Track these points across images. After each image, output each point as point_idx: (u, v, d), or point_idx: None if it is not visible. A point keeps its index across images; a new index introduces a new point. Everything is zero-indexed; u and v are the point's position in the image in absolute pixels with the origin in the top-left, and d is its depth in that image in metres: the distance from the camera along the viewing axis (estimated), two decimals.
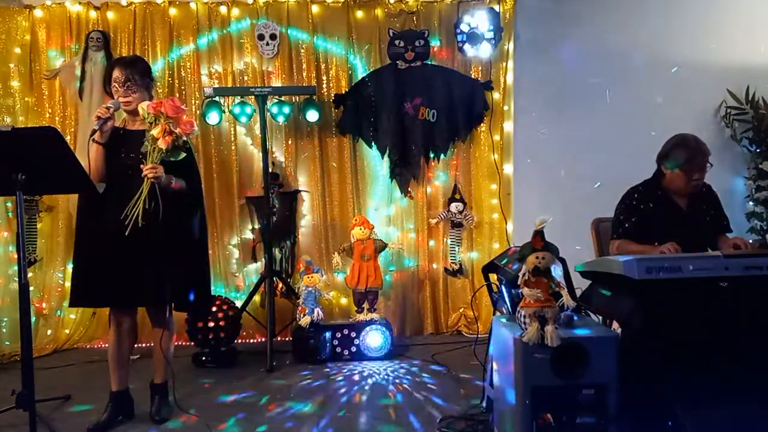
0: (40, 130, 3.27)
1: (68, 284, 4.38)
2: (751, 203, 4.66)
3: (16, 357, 3.98)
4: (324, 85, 4.61)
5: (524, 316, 2.27)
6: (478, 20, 4.44)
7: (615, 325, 2.84)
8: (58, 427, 2.96)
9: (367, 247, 4.14)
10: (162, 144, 2.72)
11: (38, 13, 4.47)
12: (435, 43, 4.62)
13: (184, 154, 2.84)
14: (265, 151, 4.28)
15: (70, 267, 4.43)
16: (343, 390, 3.46)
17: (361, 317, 4.11)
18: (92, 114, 4.25)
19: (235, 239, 4.62)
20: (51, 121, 4.47)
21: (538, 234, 2.29)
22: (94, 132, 2.79)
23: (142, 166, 2.74)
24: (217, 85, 4.52)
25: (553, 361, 2.24)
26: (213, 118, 4.31)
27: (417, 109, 4.57)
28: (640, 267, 2.28)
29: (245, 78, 4.57)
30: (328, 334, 3.98)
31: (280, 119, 4.44)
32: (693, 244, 2.87)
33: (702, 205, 3.05)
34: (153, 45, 4.50)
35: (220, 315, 3.93)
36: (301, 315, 3.99)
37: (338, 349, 4.00)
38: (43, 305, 4.43)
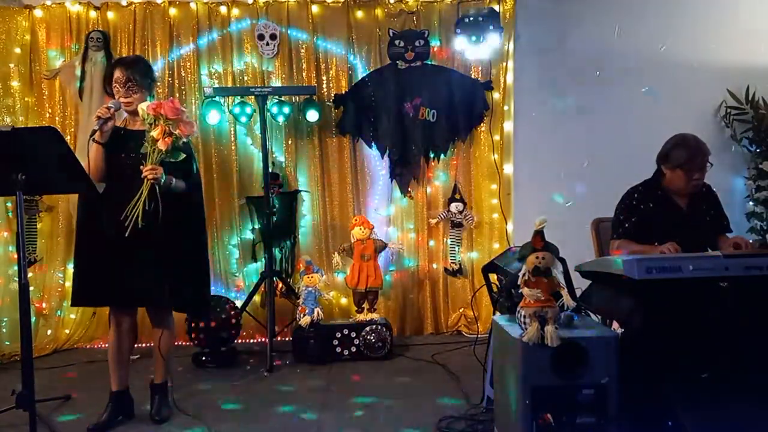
0: (40, 130, 3.27)
1: (68, 284, 4.42)
2: (751, 203, 4.66)
3: (16, 357, 3.98)
4: (324, 85, 4.61)
5: (524, 316, 2.27)
6: (478, 20, 4.42)
7: (615, 325, 2.85)
8: (58, 427, 2.96)
9: (367, 247, 4.14)
10: (162, 145, 2.72)
11: (38, 13, 4.47)
12: (435, 43, 4.62)
13: (183, 155, 2.85)
14: (265, 151, 4.28)
15: (70, 267, 4.45)
16: (343, 390, 3.46)
17: (361, 317, 4.11)
18: (92, 114, 4.25)
19: (235, 239, 4.62)
20: (51, 121, 4.47)
21: (538, 234, 2.29)
22: (94, 132, 2.79)
23: (142, 167, 2.74)
24: (217, 85, 4.51)
25: (553, 361, 2.24)
26: (213, 118, 4.31)
27: (417, 109, 4.57)
28: (640, 267, 2.28)
29: (245, 78, 4.57)
30: (328, 334, 3.98)
31: (280, 119, 4.44)
32: (693, 244, 2.87)
33: (702, 205, 3.05)
34: (153, 45, 4.49)
35: (220, 315, 3.93)
36: (301, 315, 3.99)
37: (338, 349, 4.00)
38: (43, 305, 4.43)
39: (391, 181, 4.67)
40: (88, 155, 2.80)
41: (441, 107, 4.57)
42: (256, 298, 4.42)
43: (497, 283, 3.13)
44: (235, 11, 4.53)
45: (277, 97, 4.38)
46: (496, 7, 4.55)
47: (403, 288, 4.68)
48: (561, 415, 2.27)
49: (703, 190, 3.05)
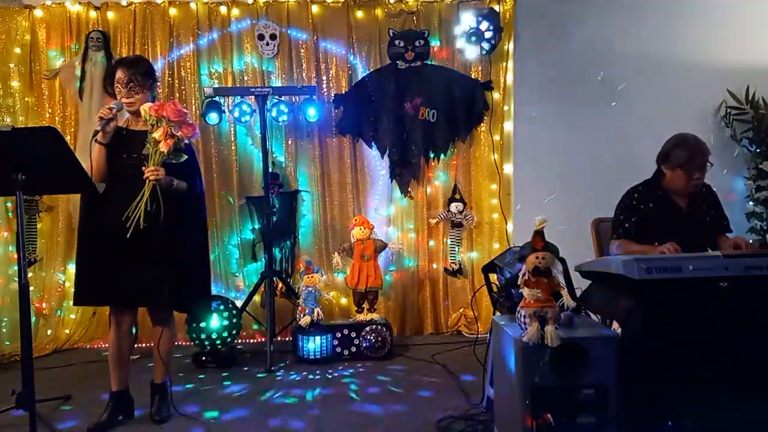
0: (40, 130, 3.26)
1: (68, 284, 4.44)
2: (751, 203, 4.66)
3: (16, 357, 3.98)
4: (324, 85, 4.61)
5: (524, 316, 2.27)
6: (477, 20, 4.43)
7: (615, 325, 2.85)
8: (58, 428, 2.96)
9: (367, 247, 4.14)
10: (164, 147, 2.73)
11: (38, 13, 4.47)
12: (435, 43, 4.62)
13: (185, 157, 2.86)
14: (265, 151, 4.28)
15: (70, 267, 4.47)
16: (342, 390, 3.46)
17: (361, 317, 4.11)
18: (92, 114, 4.30)
19: (235, 239, 4.62)
20: (51, 121, 4.47)
21: (538, 234, 2.29)
22: (96, 132, 2.79)
23: (144, 167, 2.75)
24: (217, 85, 4.52)
25: (553, 361, 2.24)
26: (213, 118, 4.31)
27: (417, 109, 4.57)
28: (640, 267, 2.28)
29: (245, 78, 4.57)
30: (328, 334, 3.98)
31: (280, 119, 4.44)
32: (693, 244, 2.87)
33: (702, 205, 3.05)
34: (153, 45, 4.50)
35: (220, 315, 3.93)
36: (301, 315, 3.99)
37: (338, 349, 4.00)
38: (43, 305, 4.43)
39: (391, 181, 4.67)
40: (91, 156, 2.80)
41: (441, 107, 4.57)
42: (256, 298, 4.42)
43: (497, 283, 3.13)
44: (235, 11, 4.53)
45: (277, 97, 4.38)
46: (496, 7, 4.55)
47: (403, 288, 4.68)
48: (561, 415, 2.27)
49: (703, 190, 3.05)
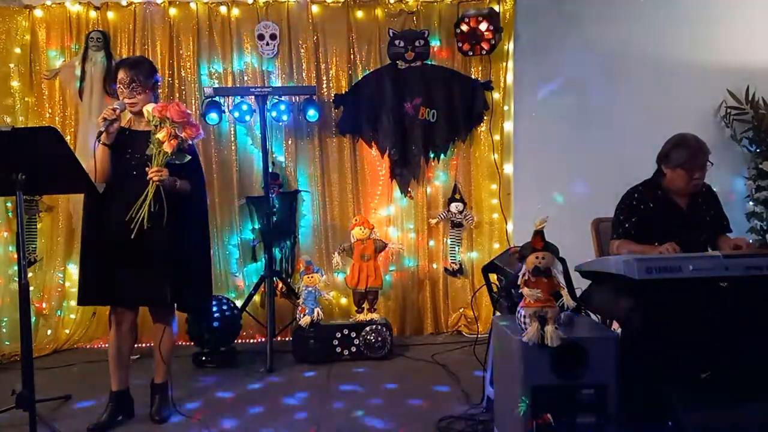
0: (40, 130, 3.27)
1: (68, 284, 4.44)
2: (751, 203, 4.65)
3: (16, 357, 3.98)
4: (324, 85, 4.61)
5: (524, 316, 2.27)
6: (477, 20, 4.43)
7: (615, 325, 2.85)
8: (58, 427, 2.96)
9: (367, 247, 4.14)
10: (167, 147, 2.74)
11: (38, 13, 4.47)
12: (435, 43, 4.62)
13: (189, 157, 2.87)
14: (265, 151, 4.28)
15: (70, 267, 4.47)
16: (342, 390, 3.46)
17: (361, 317, 4.11)
18: (92, 114, 4.30)
19: (235, 239, 4.62)
20: (51, 121, 4.47)
21: (538, 234, 2.30)
22: (100, 134, 2.79)
23: (147, 169, 2.76)
24: (217, 85, 4.51)
25: (553, 361, 2.24)
26: (213, 118, 4.31)
27: (417, 109, 4.57)
28: (640, 267, 2.28)
29: (245, 78, 4.57)
30: (328, 334, 3.98)
31: (280, 119, 4.44)
32: (693, 244, 2.87)
33: (702, 205, 3.05)
34: (153, 45, 4.49)
35: (220, 315, 3.93)
36: (301, 315, 3.99)
37: (338, 349, 4.00)
38: (43, 305, 4.43)
39: (391, 181, 4.67)
40: (95, 157, 2.80)
41: (441, 107, 4.57)
42: (256, 298, 4.42)
43: (497, 283, 3.13)
44: (235, 11, 4.53)
45: (277, 97, 4.38)
46: (496, 7, 4.54)
47: (403, 288, 4.68)
48: (561, 415, 2.27)
49: (703, 190, 3.06)
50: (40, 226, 4.46)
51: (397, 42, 4.49)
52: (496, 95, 4.65)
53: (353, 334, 4.00)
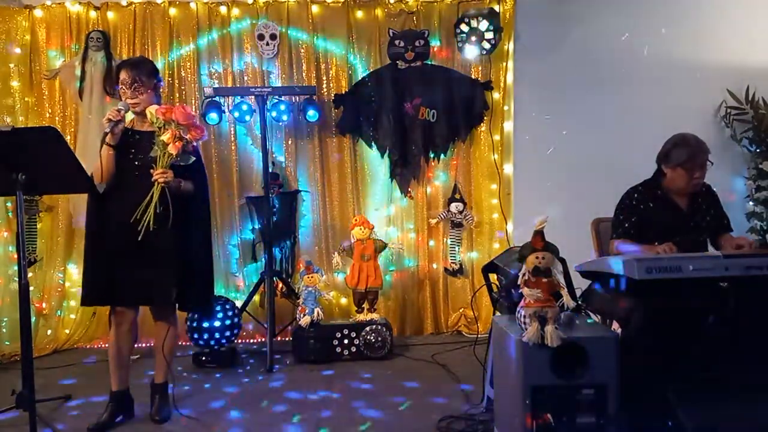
0: (40, 130, 3.27)
1: (68, 284, 4.45)
2: (751, 203, 4.65)
3: (16, 357, 3.98)
4: (324, 85, 4.61)
5: (524, 316, 2.27)
6: (477, 20, 4.43)
7: (615, 325, 2.85)
8: (58, 427, 2.96)
9: (367, 247, 4.14)
10: (172, 150, 2.75)
11: (38, 13, 4.47)
12: (435, 43, 4.62)
13: (193, 158, 2.89)
14: (265, 151, 4.28)
15: (70, 267, 4.47)
16: (342, 390, 3.46)
17: (361, 317, 4.11)
18: (92, 114, 4.30)
19: (235, 239, 4.62)
20: (51, 121, 4.47)
21: (538, 234, 2.30)
22: (105, 135, 2.80)
23: (152, 170, 2.76)
24: (217, 85, 4.51)
25: (553, 361, 2.24)
26: (213, 118, 4.30)
27: (417, 109, 4.56)
28: (640, 267, 2.28)
29: (245, 78, 4.57)
30: (328, 334, 3.98)
31: (280, 119, 4.44)
32: (693, 244, 2.87)
33: (702, 204, 3.05)
34: (153, 45, 4.49)
35: (220, 315, 3.93)
36: (301, 315, 3.99)
37: (338, 349, 3.99)
38: (43, 305, 4.43)
39: (391, 181, 4.67)
40: (101, 158, 2.81)
41: (441, 107, 4.56)
42: (256, 298, 4.42)
43: (497, 283, 3.13)
44: (235, 11, 4.53)
45: (277, 97, 4.38)
46: (496, 7, 4.55)
47: (403, 288, 4.68)
48: (561, 415, 2.27)
49: (703, 189, 3.06)
50: (40, 226, 4.46)
51: (397, 42, 4.49)
52: (496, 95, 4.65)
53: (353, 334, 4.00)
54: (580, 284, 2.78)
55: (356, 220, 4.22)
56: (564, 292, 2.30)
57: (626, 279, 2.35)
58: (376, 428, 2.95)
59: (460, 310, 4.69)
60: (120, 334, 2.97)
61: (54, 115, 4.49)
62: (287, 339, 4.34)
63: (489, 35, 4.44)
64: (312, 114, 4.37)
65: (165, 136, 2.74)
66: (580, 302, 2.70)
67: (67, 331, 4.41)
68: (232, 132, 4.58)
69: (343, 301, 4.59)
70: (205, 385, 3.59)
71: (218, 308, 3.95)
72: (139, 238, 2.74)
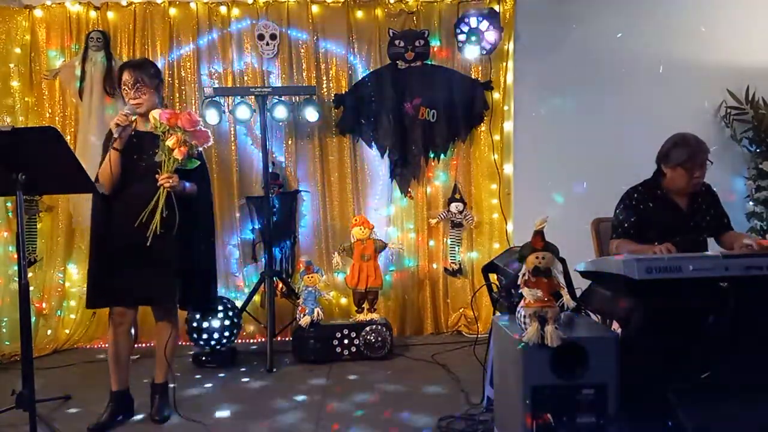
0: (40, 130, 3.27)
1: (68, 284, 4.46)
2: (751, 203, 4.65)
3: (16, 357, 3.98)
4: (324, 85, 4.61)
5: (524, 316, 2.27)
6: (478, 20, 4.43)
7: (615, 325, 2.85)
8: (58, 427, 2.96)
9: (367, 247, 4.14)
10: (178, 155, 2.77)
11: (38, 13, 4.47)
12: (435, 43, 4.62)
13: (198, 163, 2.91)
14: (265, 151, 4.28)
15: (70, 267, 4.47)
16: (343, 390, 3.46)
17: (361, 317, 4.11)
18: (92, 114, 4.31)
19: (235, 239, 4.62)
20: (51, 121, 4.47)
21: (538, 234, 2.29)
22: (114, 140, 2.81)
23: (157, 175, 2.77)
24: (217, 85, 4.51)
25: (553, 361, 2.24)
26: (213, 118, 4.31)
27: (417, 109, 4.57)
28: (640, 267, 2.28)
29: (245, 78, 4.57)
30: (328, 334, 3.98)
31: (281, 119, 4.44)
32: (693, 243, 2.87)
33: (702, 204, 3.05)
34: (153, 45, 4.49)
35: (220, 315, 3.94)
36: (301, 315, 3.99)
37: (338, 349, 3.99)
38: (43, 305, 4.43)
39: (391, 181, 4.67)
40: (110, 162, 2.81)
41: (441, 107, 4.57)
42: (256, 298, 4.42)
43: (497, 283, 3.13)
44: (235, 11, 4.53)
45: (277, 97, 4.38)
46: (496, 7, 4.55)
47: (403, 288, 4.68)
48: (561, 415, 2.27)
49: (702, 189, 3.06)
50: (40, 226, 4.46)
51: (397, 42, 4.49)
52: (496, 95, 4.65)
53: (353, 334, 4.00)
54: (580, 284, 2.77)
55: (356, 220, 4.22)
56: (564, 292, 2.30)
57: (626, 279, 2.35)
58: (375, 428, 2.94)
59: (460, 310, 4.69)
60: (120, 334, 2.97)
61: (54, 115, 4.49)
62: (287, 339, 4.34)
63: (489, 35, 4.44)
64: (312, 114, 4.37)
65: (170, 141, 2.75)
66: (580, 302, 2.70)
67: (67, 331, 4.42)
68: (232, 132, 4.59)
69: (343, 301, 4.59)
70: (205, 385, 3.59)
71: (218, 308, 3.95)
72: (148, 243, 2.75)
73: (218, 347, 3.98)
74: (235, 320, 4.03)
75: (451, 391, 3.38)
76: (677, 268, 2.28)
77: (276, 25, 4.52)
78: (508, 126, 4.69)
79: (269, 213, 4.32)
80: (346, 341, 4.00)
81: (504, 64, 4.64)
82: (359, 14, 4.59)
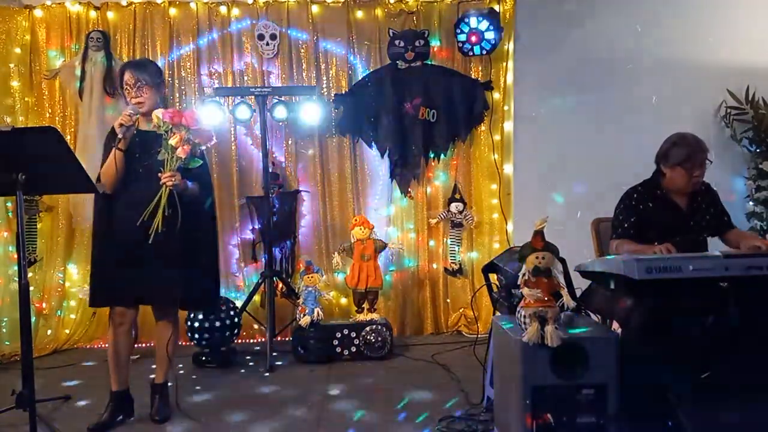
0: (40, 130, 3.27)
1: (68, 284, 4.45)
2: (751, 203, 4.65)
3: (16, 357, 3.98)
4: (324, 85, 4.61)
5: (524, 316, 2.27)
6: (478, 20, 4.43)
7: (615, 325, 2.85)
8: (58, 427, 2.96)
9: (367, 247, 4.14)
10: (181, 153, 2.77)
11: (38, 13, 4.47)
12: (435, 43, 4.62)
13: (201, 162, 2.92)
14: (265, 151, 4.28)
15: (70, 267, 4.47)
16: (343, 390, 3.46)
17: (361, 317, 4.11)
18: (92, 114, 4.31)
19: (235, 239, 4.62)
20: (51, 121, 4.47)
21: (538, 234, 2.29)
22: (118, 140, 2.81)
23: (160, 174, 2.77)
24: (217, 85, 4.52)
25: (553, 361, 2.24)
26: (213, 118, 4.30)
27: (417, 109, 4.56)
28: (640, 267, 2.28)
29: (245, 78, 4.57)
30: (328, 334, 3.98)
31: (281, 119, 4.44)
32: (693, 243, 2.87)
33: (702, 204, 3.05)
34: (153, 45, 4.49)
35: (220, 315, 3.93)
36: (301, 315, 3.99)
37: (338, 349, 3.99)
38: (43, 305, 4.43)
39: (391, 181, 4.67)
40: (114, 161, 2.82)
41: (441, 107, 4.56)
42: (256, 298, 4.42)
43: (497, 283, 3.13)
44: (235, 11, 4.53)
45: (277, 97, 4.38)
46: (496, 7, 4.55)
47: (403, 288, 4.68)
48: (561, 415, 2.27)
49: (702, 188, 3.06)
50: (40, 226, 4.46)
51: (397, 42, 4.49)
52: (496, 95, 4.65)
53: (353, 334, 4.00)
54: (580, 284, 2.77)
55: (356, 220, 4.22)
56: (564, 292, 2.30)
57: (626, 279, 2.35)
58: (375, 428, 2.94)
59: (460, 310, 4.69)
60: (120, 334, 2.97)
61: (54, 115, 4.49)
62: (287, 339, 4.34)
63: (489, 35, 4.44)
64: (312, 114, 4.37)
65: (173, 140, 2.76)
66: (580, 302, 2.70)
67: (67, 331, 4.41)
68: (232, 132, 4.58)
69: (343, 301, 4.59)
70: (205, 385, 3.59)
71: (219, 308, 3.95)
72: (150, 241, 2.76)
73: (218, 347, 3.97)
74: (235, 320, 4.03)
75: (451, 391, 3.38)
76: (677, 268, 2.28)
77: (276, 25, 4.52)
78: (508, 126, 4.69)
79: (269, 213, 4.32)
80: (346, 341, 4.00)
81: (504, 64, 4.64)
82: (359, 14, 4.59)
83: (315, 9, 4.56)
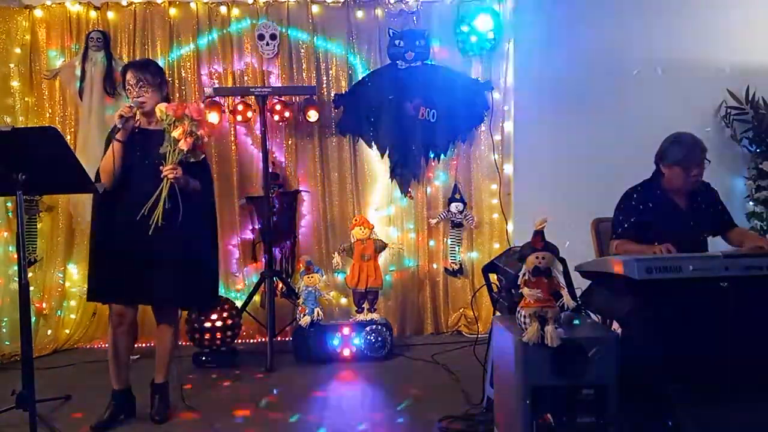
0: (40, 130, 3.27)
1: (68, 284, 4.45)
2: (751, 203, 4.65)
3: (16, 357, 3.98)
4: (324, 85, 4.61)
5: (524, 316, 2.27)
6: (478, 20, 4.43)
7: (615, 325, 2.85)
8: (58, 427, 2.96)
9: (367, 247, 4.14)
10: (184, 145, 2.78)
11: (38, 13, 4.46)
12: (435, 43, 4.62)
13: (203, 155, 2.94)
14: (265, 151, 4.28)
15: (70, 267, 4.47)
16: (342, 390, 3.46)
17: (361, 317, 4.11)
18: (92, 114, 4.31)
19: (235, 239, 4.62)
20: (51, 121, 4.46)
21: (538, 234, 2.29)
22: (117, 130, 2.82)
23: (161, 167, 2.78)
24: (217, 85, 4.51)
25: (553, 361, 2.24)
26: (213, 118, 4.30)
27: (417, 109, 4.56)
28: (640, 267, 2.28)
29: (245, 78, 4.57)
30: (328, 334, 3.98)
31: (281, 119, 4.43)
32: (693, 243, 2.87)
33: (702, 203, 3.05)
34: (153, 45, 4.49)
35: (220, 315, 3.93)
36: (301, 315, 3.99)
37: (338, 350, 3.99)
38: (43, 305, 4.43)
39: (391, 181, 4.67)
40: (113, 153, 2.82)
41: (441, 107, 4.56)
42: (256, 298, 4.42)
43: (497, 283, 3.13)
44: (235, 11, 4.53)
45: (277, 97, 4.38)
46: (496, 7, 4.55)
47: (403, 288, 4.68)
48: (561, 415, 2.27)
49: (701, 188, 3.06)
50: (40, 226, 4.46)
51: (397, 42, 4.49)
52: (496, 95, 4.65)
53: (353, 334, 4.00)
54: (580, 284, 2.78)
55: (356, 220, 4.22)
56: (564, 292, 2.30)
57: (626, 279, 2.35)
58: (375, 428, 2.94)
59: (460, 310, 4.69)
60: (119, 333, 2.98)
61: (54, 115, 4.49)
62: (287, 339, 4.34)
63: (489, 35, 4.44)
64: (312, 114, 4.37)
65: (176, 132, 2.76)
66: (580, 302, 2.70)
67: (67, 331, 4.41)
68: (232, 132, 4.58)
69: (343, 301, 4.59)
70: (205, 385, 3.59)
71: (218, 308, 3.95)
72: (150, 232, 2.76)
73: (218, 347, 3.97)
74: (235, 320, 4.03)
75: (451, 391, 3.38)
76: (677, 268, 2.28)
77: (276, 25, 4.52)
78: (508, 126, 4.69)
79: (269, 213, 4.32)
80: (346, 341, 4.00)
81: (504, 64, 4.64)
82: (359, 14, 4.59)
83: (315, 9, 4.56)
